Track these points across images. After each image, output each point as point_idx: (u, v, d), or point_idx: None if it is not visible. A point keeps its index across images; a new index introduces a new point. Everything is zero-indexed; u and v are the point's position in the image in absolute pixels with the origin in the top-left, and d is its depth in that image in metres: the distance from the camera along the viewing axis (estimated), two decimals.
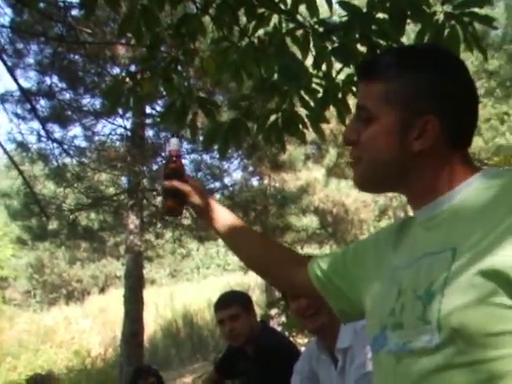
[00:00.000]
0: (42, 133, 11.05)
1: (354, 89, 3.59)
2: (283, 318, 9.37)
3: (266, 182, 13.89)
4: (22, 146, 11.42)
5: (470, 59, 18.19)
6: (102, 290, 26.74)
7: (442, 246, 1.30)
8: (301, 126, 3.71)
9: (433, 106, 1.37)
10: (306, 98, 3.65)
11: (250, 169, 14.30)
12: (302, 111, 3.75)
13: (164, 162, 2.21)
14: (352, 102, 6.08)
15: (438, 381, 1.24)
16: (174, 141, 2.27)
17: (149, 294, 12.56)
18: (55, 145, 11.02)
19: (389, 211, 18.92)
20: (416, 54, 1.47)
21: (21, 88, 8.83)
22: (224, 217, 2.08)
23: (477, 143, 16.82)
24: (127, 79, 3.92)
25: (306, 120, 3.69)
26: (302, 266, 1.85)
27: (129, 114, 11.45)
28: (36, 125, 12.30)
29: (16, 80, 8.52)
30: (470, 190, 1.35)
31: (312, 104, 3.66)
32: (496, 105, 18.01)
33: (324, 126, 3.77)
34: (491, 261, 1.18)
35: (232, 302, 4.04)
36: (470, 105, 1.42)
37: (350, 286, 1.68)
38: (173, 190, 2.11)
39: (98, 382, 15.29)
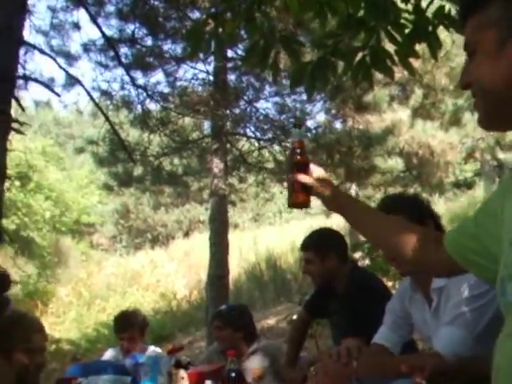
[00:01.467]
0: (126, 80, 11.18)
1: (446, 22, 3.47)
2: (367, 261, 9.33)
3: (349, 124, 13.71)
4: (107, 93, 11.55)
5: None
6: (186, 235, 27.17)
7: None
8: (389, 62, 3.61)
9: None
10: (394, 33, 3.54)
11: (334, 111, 14.13)
12: (390, 47, 3.64)
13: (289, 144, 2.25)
14: (443, 35, 5.87)
15: None
16: (296, 131, 2.33)
17: (232, 237, 12.64)
18: (139, 91, 11.12)
19: (476, 153, 18.49)
20: None
21: (104, 36, 8.90)
22: (351, 205, 2.14)
23: None
24: (209, 21, 3.87)
25: (394, 56, 3.58)
26: (433, 244, 1.86)
27: (210, 59, 11.42)
28: (119, 72, 12.42)
29: (100, 28, 8.59)
30: None
31: (400, 39, 3.55)
32: None
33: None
34: None
35: (308, 247, 4.12)
36: None
37: (486, 252, 1.63)
38: (300, 183, 2.18)
39: (183, 323, 15.61)
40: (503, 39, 1.39)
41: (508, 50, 1.38)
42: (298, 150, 2.29)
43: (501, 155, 18.12)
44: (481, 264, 1.66)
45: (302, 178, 2.19)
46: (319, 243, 4.20)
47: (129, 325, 5.33)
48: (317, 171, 2.22)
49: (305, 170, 2.23)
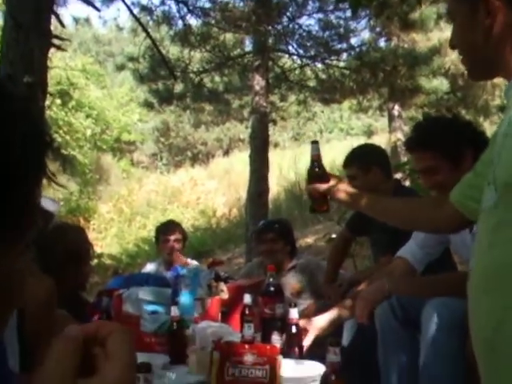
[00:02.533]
0: None
1: None
2: (408, 183, 9.24)
3: (394, 42, 13.42)
4: (147, 9, 11.41)
5: None
6: (227, 153, 27.26)
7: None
8: None
9: None
10: None
11: (378, 29, 13.82)
12: None
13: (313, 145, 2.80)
14: None
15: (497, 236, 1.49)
16: (315, 146, 2.75)
17: (272, 156, 12.62)
18: (180, 6, 10.97)
19: None
20: None
21: None
22: (367, 203, 2.49)
23: None
24: None
25: None
26: (440, 206, 2.16)
27: None
28: None
29: None
30: None
31: None
32: None
33: None
34: None
35: (350, 163, 4.11)
36: None
37: None
38: (319, 193, 2.59)
39: (222, 239, 15.79)
40: (474, 7, 1.71)
41: (479, 15, 1.69)
42: (316, 163, 2.67)
43: None
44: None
45: (321, 187, 2.60)
46: (362, 157, 4.17)
47: (175, 226, 5.43)
48: (335, 179, 2.62)
49: (322, 180, 2.61)
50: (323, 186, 2.60)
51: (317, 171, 2.67)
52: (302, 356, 2.94)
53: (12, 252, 0.74)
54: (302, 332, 3.02)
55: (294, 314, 2.99)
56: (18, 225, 0.74)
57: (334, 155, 18.85)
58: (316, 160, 2.70)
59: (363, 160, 4.12)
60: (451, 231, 2.60)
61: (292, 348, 2.95)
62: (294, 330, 2.98)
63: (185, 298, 3.83)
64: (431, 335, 2.67)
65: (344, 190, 2.56)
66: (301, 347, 2.97)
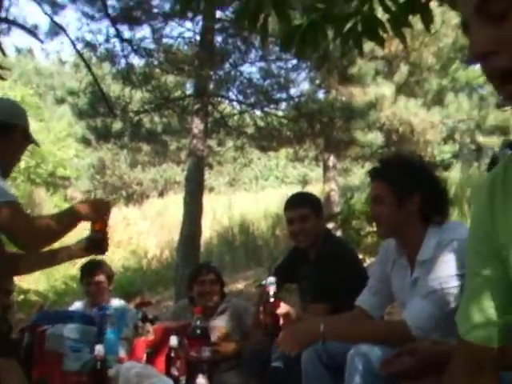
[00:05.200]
0: (111, 33, 11.06)
1: None
2: (339, 233, 9.37)
3: (332, 94, 13.70)
4: (91, 45, 11.41)
5: None
6: (161, 194, 27.12)
7: None
8: (380, 31, 3.58)
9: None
10: (388, 2, 3.51)
11: (318, 81, 14.10)
12: (382, 16, 3.61)
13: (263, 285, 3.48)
14: (437, 11, 5.81)
15: None
16: (271, 279, 3.09)
17: (207, 200, 12.66)
18: (124, 45, 11.01)
19: (456, 135, 18.55)
20: None
21: None
22: None
23: None
24: None
25: (386, 25, 3.56)
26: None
27: (198, 18, 11.32)
28: (104, 24, 12.29)
29: None
30: None
31: (393, 8, 3.53)
32: None
33: (396, 43, 3.67)
34: None
35: (304, 203, 4.06)
36: None
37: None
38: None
39: (152, 281, 15.64)
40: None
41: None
42: (271, 299, 3.02)
43: (480, 139, 18.20)
44: None
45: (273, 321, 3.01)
46: (313, 198, 4.20)
47: (97, 268, 5.31)
48: (284, 308, 3.00)
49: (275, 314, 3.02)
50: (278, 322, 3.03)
51: (271, 305, 3.06)
52: None
53: None
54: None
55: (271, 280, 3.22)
56: None
57: (268, 203, 18.98)
58: (269, 293, 3.11)
59: (316, 203, 4.16)
60: None
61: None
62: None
63: (110, 337, 3.80)
64: (354, 382, 2.70)
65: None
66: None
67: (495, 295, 1.33)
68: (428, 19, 3.56)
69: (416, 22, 3.70)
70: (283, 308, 3.08)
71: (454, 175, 18.21)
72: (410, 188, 2.87)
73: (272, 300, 3.03)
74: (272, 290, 3.05)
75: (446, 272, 2.65)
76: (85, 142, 15.57)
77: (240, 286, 12.48)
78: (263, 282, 4.01)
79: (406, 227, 2.88)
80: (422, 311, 2.66)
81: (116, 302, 5.15)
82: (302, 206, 4.03)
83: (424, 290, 2.69)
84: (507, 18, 1.10)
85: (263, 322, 3.05)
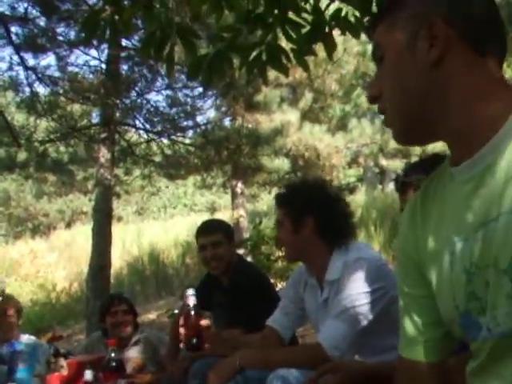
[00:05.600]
0: (15, 60, 10.86)
1: (342, 25, 3.56)
2: (250, 258, 9.43)
3: (239, 122, 13.82)
4: None
5: None
6: (69, 225, 26.66)
7: (503, 208, 1.11)
8: (284, 60, 3.66)
9: (435, 11, 1.21)
10: (291, 31, 3.60)
11: (224, 108, 14.21)
12: (287, 45, 3.70)
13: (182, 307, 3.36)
14: (339, 39, 6.00)
15: None
16: (190, 291, 3.04)
17: (115, 230, 12.53)
18: (29, 72, 10.83)
19: (360, 159, 18.98)
20: None
21: None
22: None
23: None
24: (106, 7, 3.82)
25: (289, 54, 3.64)
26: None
27: (104, 46, 11.24)
28: (7, 52, 12.07)
29: None
30: None
31: (296, 38, 3.62)
32: None
33: (300, 70, 3.76)
34: None
35: (216, 229, 4.09)
36: (481, 8, 1.23)
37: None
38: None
39: (62, 315, 15.32)
40: (411, 39, 1.23)
41: (419, 48, 1.21)
42: (192, 312, 2.96)
43: (383, 162, 18.68)
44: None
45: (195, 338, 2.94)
46: (225, 225, 4.23)
47: (5, 303, 5.16)
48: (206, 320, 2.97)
49: (197, 329, 2.97)
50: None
51: (193, 322, 2.99)
52: None
53: None
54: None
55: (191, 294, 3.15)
56: None
57: (177, 231, 18.93)
58: (189, 305, 3.04)
59: (228, 229, 4.19)
60: None
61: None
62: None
63: (22, 374, 3.71)
64: None
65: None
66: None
67: (421, 312, 1.39)
68: (330, 47, 3.66)
69: (320, 49, 3.79)
70: (205, 320, 3.07)
71: (359, 198, 18.64)
72: (301, 212, 2.96)
73: (193, 312, 2.98)
74: (192, 301, 3.01)
75: (355, 290, 2.72)
76: None
77: (152, 316, 12.38)
78: (175, 311, 4.01)
79: (309, 250, 2.96)
80: (335, 331, 2.71)
81: (26, 338, 5.02)
82: (214, 232, 4.06)
83: (335, 310, 2.75)
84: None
85: (185, 336, 2.98)
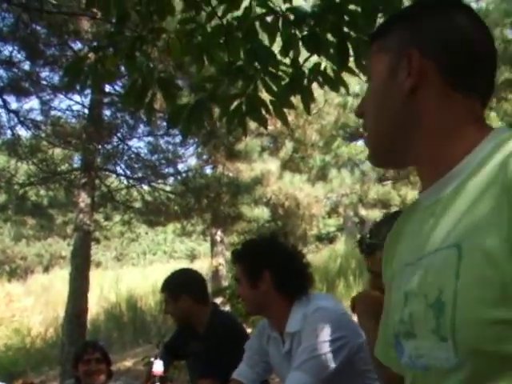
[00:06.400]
0: None
1: (321, 79, 3.63)
2: (228, 307, 9.40)
3: (219, 170, 13.88)
4: None
5: None
6: (46, 269, 26.46)
7: (446, 241, 1.11)
8: (263, 112, 3.72)
9: (416, 41, 1.25)
10: (271, 83, 3.66)
11: (205, 156, 14.28)
12: (266, 96, 3.75)
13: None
14: (317, 92, 6.09)
15: None
16: (158, 363, 2.91)
17: (94, 275, 12.48)
18: (11, 115, 10.86)
19: (339, 208, 19.08)
20: (404, 11, 1.44)
21: None
22: None
23: None
24: (90, 54, 3.88)
25: (269, 105, 3.70)
26: None
27: (87, 91, 11.32)
28: None
29: None
30: (480, 159, 1.15)
31: (276, 90, 3.68)
32: None
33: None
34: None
35: (162, 289, 4.23)
36: (464, 44, 1.25)
37: None
38: None
39: (36, 361, 15.13)
40: (394, 66, 1.26)
41: (399, 75, 1.24)
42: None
43: (363, 212, 18.76)
44: None
45: None
46: (171, 284, 4.25)
47: None
48: None
49: None
50: None
51: None
52: None
53: None
54: None
55: (158, 366, 3.10)
56: None
57: (156, 278, 18.80)
58: (156, 376, 3.18)
59: (172, 288, 4.21)
60: None
61: None
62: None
63: None
64: None
65: None
66: None
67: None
68: (308, 100, 3.73)
69: (299, 101, 3.85)
70: None
71: (338, 247, 18.68)
72: (257, 268, 3.00)
73: None
74: (159, 372, 3.06)
75: (315, 339, 2.73)
76: None
77: (128, 363, 12.25)
78: (152, 359, 3.99)
79: (268, 304, 2.99)
80: (298, 383, 2.72)
81: None
82: (162, 290, 4.22)
83: (297, 362, 2.75)
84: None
85: None
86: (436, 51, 1.23)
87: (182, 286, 4.22)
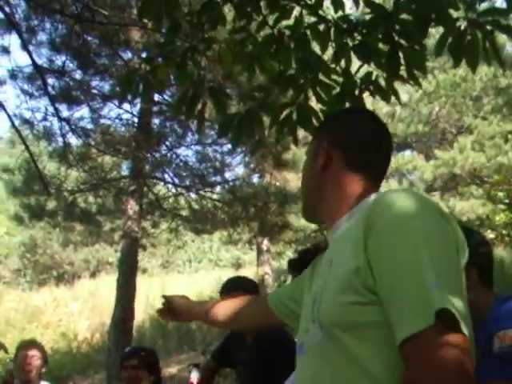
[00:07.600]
0: (50, 111, 11.05)
1: (372, 88, 3.61)
2: None
3: (267, 179, 13.89)
4: (28, 122, 11.38)
5: (479, 76, 18.20)
6: (93, 275, 26.74)
7: (329, 260, 1.63)
8: (314, 121, 3.70)
9: (329, 136, 1.77)
10: (321, 93, 3.65)
11: (252, 165, 14.30)
12: (317, 106, 3.74)
13: None
14: (369, 100, 6.04)
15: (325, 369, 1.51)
16: (195, 372, 2.96)
17: (140, 282, 12.55)
18: (62, 123, 10.99)
19: None
20: (329, 115, 2.20)
21: (34, 63, 8.79)
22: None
23: (479, 159, 16.83)
24: (142, 65, 3.92)
25: (319, 115, 3.68)
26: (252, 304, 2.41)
27: (136, 100, 11.41)
28: (43, 103, 12.28)
29: (30, 55, 8.49)
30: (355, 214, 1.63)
31: (326, 99, 3.66)
32: (501, 123, 17.95)
33: None
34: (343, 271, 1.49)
35: (237, 287, 4.11)
36: (362, 138, 1.75)
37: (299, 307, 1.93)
38: None
39: (82, 365, 15.27)
40: (316, 150, 1.78)
41: (318, 160, 1.75)
42: None
43: None
44: (289, 315, 2.11)
45: None
46: (248, 283, 4.24)
47: (31, 345, 5.11)
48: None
49: None
50: None
51: None
52: None
53: None
54: None
55: (194, 374, 3.12)
56: None
57: (201, 286, 18.91)
58: None
59: (249, 287, 4.18)
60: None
61: None
62: None
63: None
64: None
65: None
66: None
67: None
68: None
69: None
70: None
71: None
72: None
73: None
74: (195, 381, 3.08)
75: None
76: (17, 219, 15.29)
77: (173, 370, 12.30)
78: (191, 367, 4.00)
79: None
80: None
81: None
82: (234, 290, 4.07)
83: None
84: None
85: None
86: (341, 144, 1.74)
87: (239, 290, 4.21)
